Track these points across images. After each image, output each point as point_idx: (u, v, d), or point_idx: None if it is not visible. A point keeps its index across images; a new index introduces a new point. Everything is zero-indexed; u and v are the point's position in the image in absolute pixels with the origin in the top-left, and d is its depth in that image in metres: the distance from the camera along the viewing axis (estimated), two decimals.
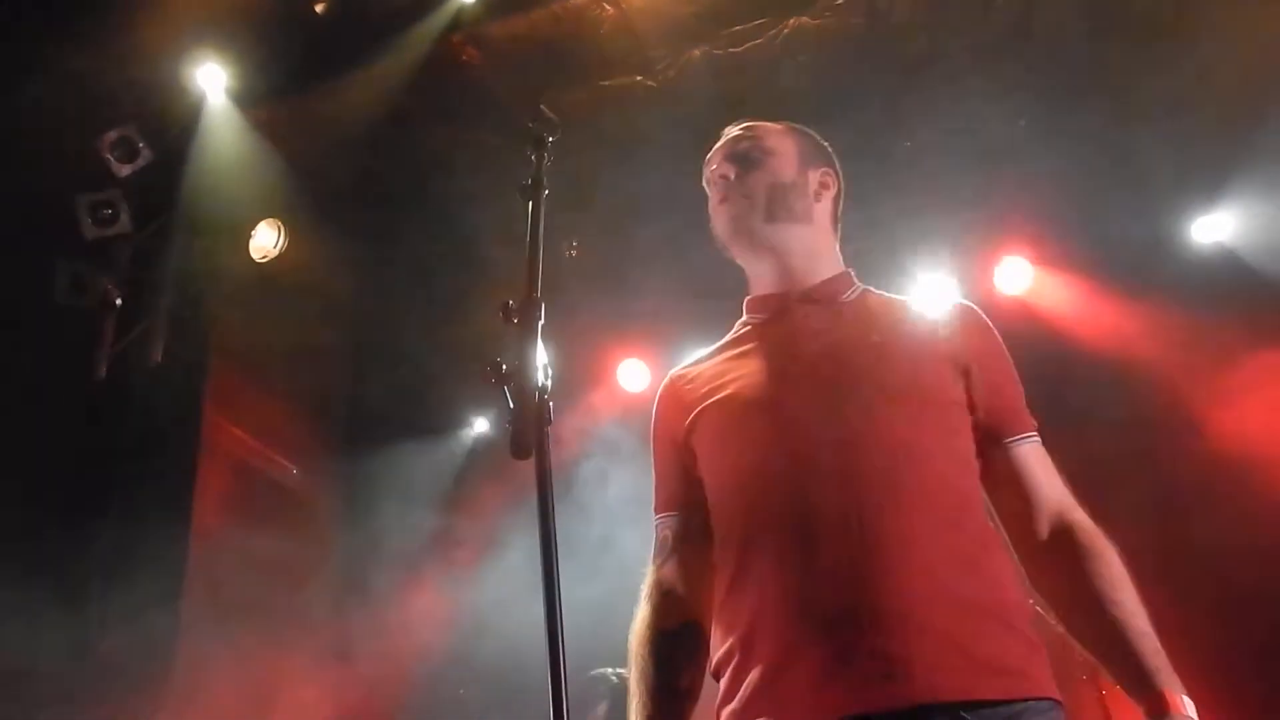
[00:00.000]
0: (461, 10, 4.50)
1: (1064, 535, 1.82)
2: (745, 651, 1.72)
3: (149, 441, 4.69)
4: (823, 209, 2.14)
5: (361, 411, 5.30)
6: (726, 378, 1.98)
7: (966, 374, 1.89)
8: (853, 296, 2.06)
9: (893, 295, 2.09)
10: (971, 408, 1.88)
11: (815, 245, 2.11)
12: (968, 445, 1.86)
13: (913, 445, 1.77)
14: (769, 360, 1.96)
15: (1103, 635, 1.71)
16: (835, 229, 2.18)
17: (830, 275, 2.07)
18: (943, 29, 5.08)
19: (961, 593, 1.65)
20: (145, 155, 4.23)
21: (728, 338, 2.13)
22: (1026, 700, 1.61)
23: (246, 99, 4.33)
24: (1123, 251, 5.27)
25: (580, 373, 5.72)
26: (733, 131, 2.20)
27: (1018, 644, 1.66)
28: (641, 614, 1.91)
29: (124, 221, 4.24)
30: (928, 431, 1.80)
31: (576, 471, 5.37)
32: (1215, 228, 5.34)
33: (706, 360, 2.10)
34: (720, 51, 5.24)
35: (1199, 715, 1.62)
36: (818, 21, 5.21)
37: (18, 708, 3.83)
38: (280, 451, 5.30)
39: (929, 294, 1.83)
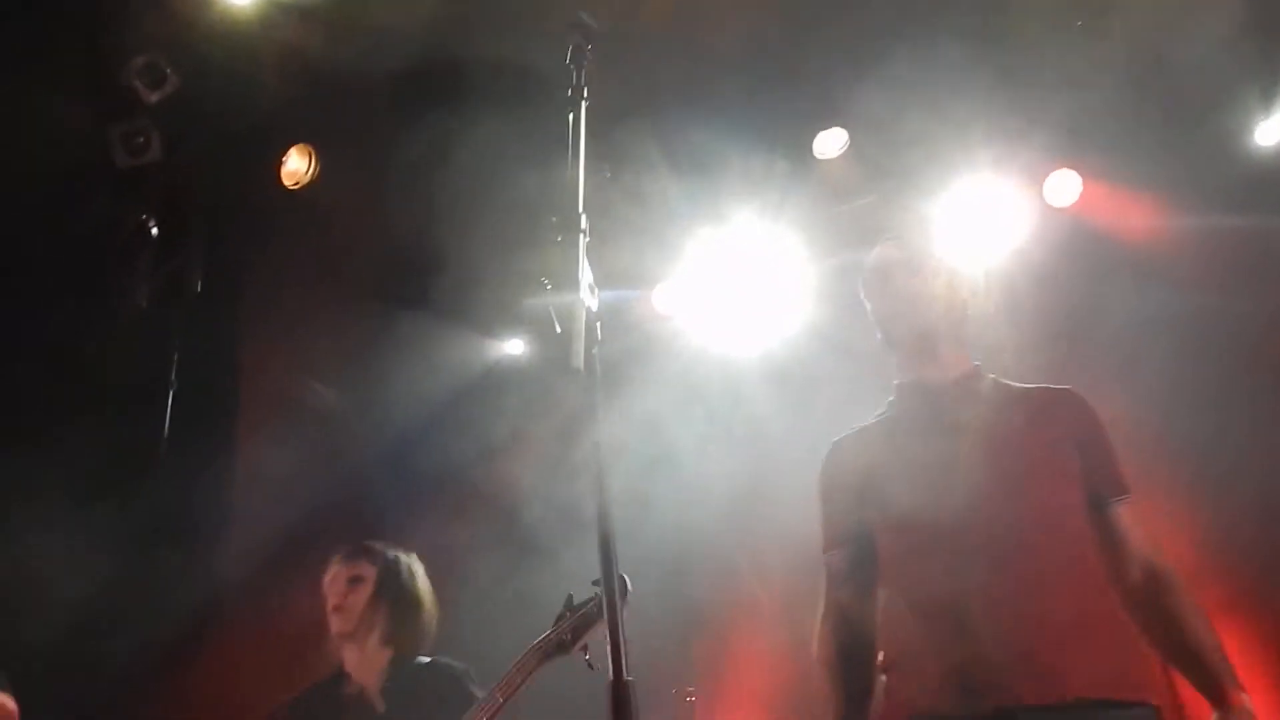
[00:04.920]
0: None
1: (1151, 576, 2.39)
2: (919, 655, 2.31)
3: (193, 373, 4.72)
4: None
5: (395, 337, 5.27)
6: (892, 451, 2.51)
7: (1080, 451, 2.43)
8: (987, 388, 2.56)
9: (1013, 385, 2.59)
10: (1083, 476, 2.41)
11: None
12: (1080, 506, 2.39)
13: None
14: (927, 442, 2.46)
15: (1181, 651, 2.32)
16: None
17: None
18: None
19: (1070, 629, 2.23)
20: (173, 81, 4.17)
21: (884, 409, 2.66)
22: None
23: (275, 16, 4.21)
24: (1178, 160, 5.05)
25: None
26: None
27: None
28: (824, 633, 2.52)
29: (155, 149, 4.20)
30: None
31: None
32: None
33: (870, 429, 2.64)
34: None
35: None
36: None
37: (73, 642, 3.92)
38: (319, 378, 5.31)
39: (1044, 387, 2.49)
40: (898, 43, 4.72)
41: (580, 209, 1.75)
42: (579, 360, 1.63)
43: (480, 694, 2.87)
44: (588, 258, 1.73)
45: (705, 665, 5.81)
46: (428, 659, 3.19)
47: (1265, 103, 4.98)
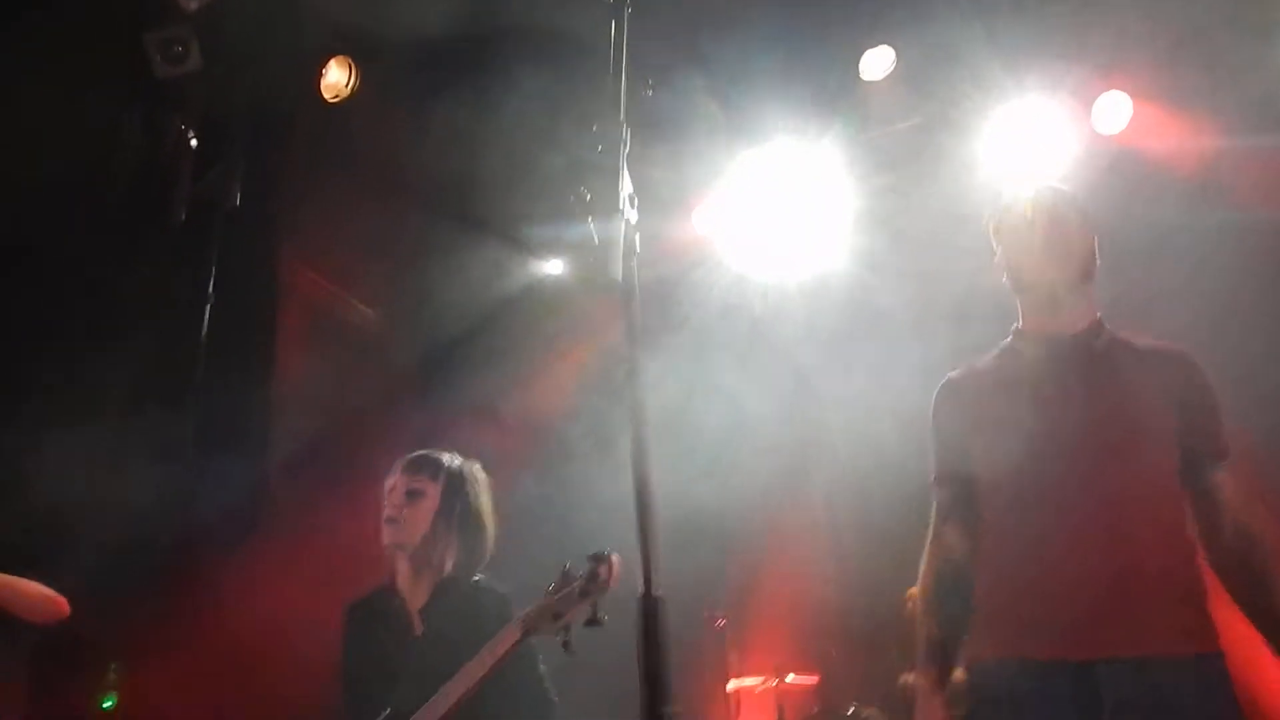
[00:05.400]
0: None
1: (1243, 538, 2.46)
2: (1011, 598, 2.42)
3: (231, 288, 4.74)
4: None
5: (435, 254, 5.27)
6: (1002, 399, 2.57)
7: (1184, 413, 2.50)
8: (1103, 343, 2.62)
9: (1131, 342, 2.64)
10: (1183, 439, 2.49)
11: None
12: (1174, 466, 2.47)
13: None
14: (1038, 396, 2.53)
15: (1268, 612, 2.40)
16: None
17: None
18: None
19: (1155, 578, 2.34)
20: None
21: (1001, 353, 2.71)
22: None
23: None
24: (1233, 84, 4.88)
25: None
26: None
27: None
28: (926, 562, 2.58)
29: (195, 58, 4.17)
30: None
31: None
32: None
33: (984, 371, 2.70)
34: None
35: None
36: None
37: (120, 544, 4.01)
38: (358, 295, 5.34)
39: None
40: None
41: (621, 119, 1.72)
42: (617, 271, 1.62)
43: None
44: (628, 169, 1.71)
45: (737, 587, 5.88)
46: (476, 580, 3.09)
47: None
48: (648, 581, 1.51)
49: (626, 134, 1.70)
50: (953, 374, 2.75)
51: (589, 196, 1.63)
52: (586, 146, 1.71)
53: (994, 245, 2.75)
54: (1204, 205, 4.90)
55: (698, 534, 4.68)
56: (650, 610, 1.48)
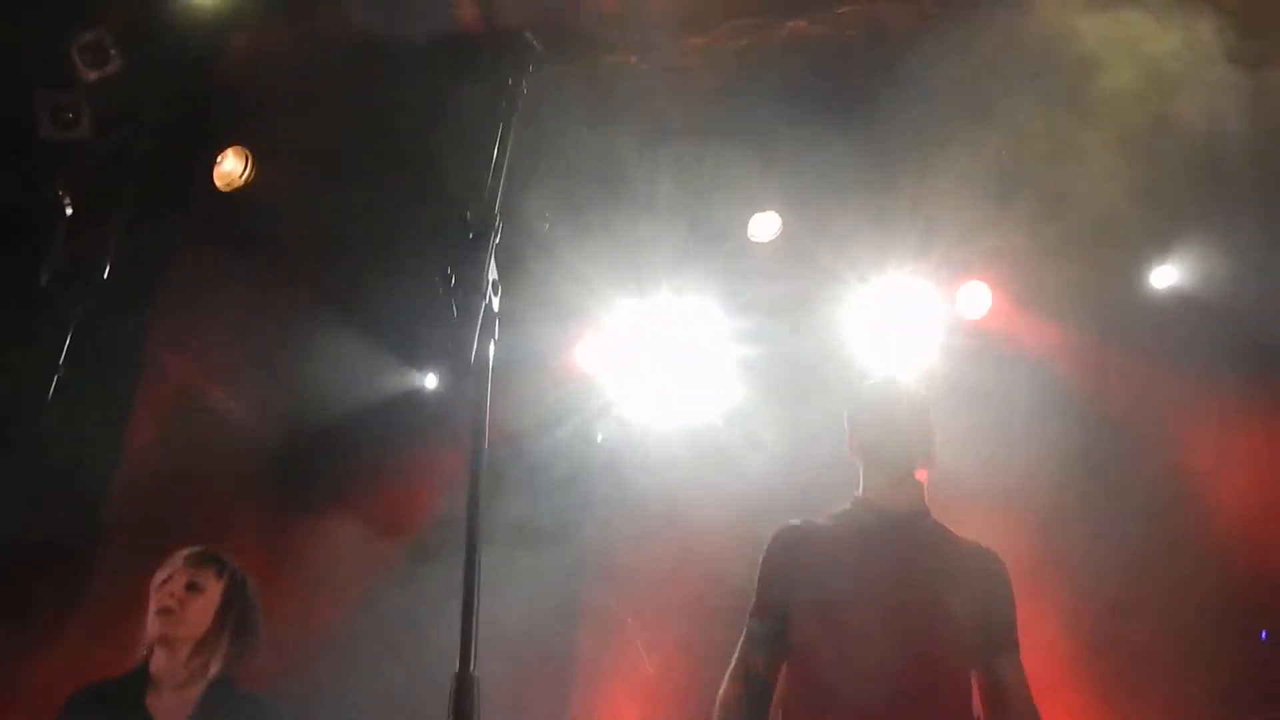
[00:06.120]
0: None
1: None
2: None
3: (88, 360, 4.55)
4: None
5: (309, 351, 5.19)
6: (834, 556, 2.84)
7: (988, 609, 2.82)
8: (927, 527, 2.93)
9: (950, 533, 2.96)
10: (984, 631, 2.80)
11: None
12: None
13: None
14: (865, 565, 2.80)
15: None
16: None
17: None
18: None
19: None
20: (115, 63, 4.11)
21: (839, 515, 2.98)
22: None
23: (229, 18, 4.21)
24: (1080, 291, 5.35)
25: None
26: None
27: None
28: (730, 687, 2.83)
29: (85, 127, 4.12)
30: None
31: None
32: (1170, 275, 5.41)
33: (822, 528, 2.95)
34: (719, 45, 5.23)
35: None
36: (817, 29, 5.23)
37: None
38: (221, 384, 5.18)
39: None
40: (836, 137, 4.92)
41: (496, 210, 1.77)
42: (470, 356, 1.64)
43: None
44: (495, 259, 1.75)
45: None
46: (246, 692, 2.98)
47: (1159, 251, 5.35)
48: (465, 660, 1.47)
49: (499, 223, 1.75)
50: (794, 522, 3.00)
51: (453, 277, 1.65)
52: (456, 232, 1.75)
53: (848, 421, 3.07)
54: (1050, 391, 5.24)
55: (540, 656, 4.58)
56: (464, 688, 1.45)
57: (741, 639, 2.89)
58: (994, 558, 2.94)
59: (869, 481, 3.00)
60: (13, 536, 3.90)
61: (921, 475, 3.00)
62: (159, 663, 2.91)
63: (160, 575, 2.98)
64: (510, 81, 1.98)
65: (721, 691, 2.83)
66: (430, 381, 6.02)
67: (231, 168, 4.75)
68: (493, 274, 1.70)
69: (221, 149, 4.70)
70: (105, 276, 4.53)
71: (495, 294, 1.70)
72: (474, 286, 1.66)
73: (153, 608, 2.92)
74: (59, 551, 4.17)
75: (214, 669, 2.92)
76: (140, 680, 2.90)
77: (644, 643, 5.31)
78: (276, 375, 5.33)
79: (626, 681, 5.52)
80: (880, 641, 2.65)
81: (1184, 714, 4.51)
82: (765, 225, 5.68)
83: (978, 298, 5.63)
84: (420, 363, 5.92)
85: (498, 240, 1.74)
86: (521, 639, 4.27)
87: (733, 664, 2.85)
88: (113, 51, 4.09)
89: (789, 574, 2.88)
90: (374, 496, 5.36)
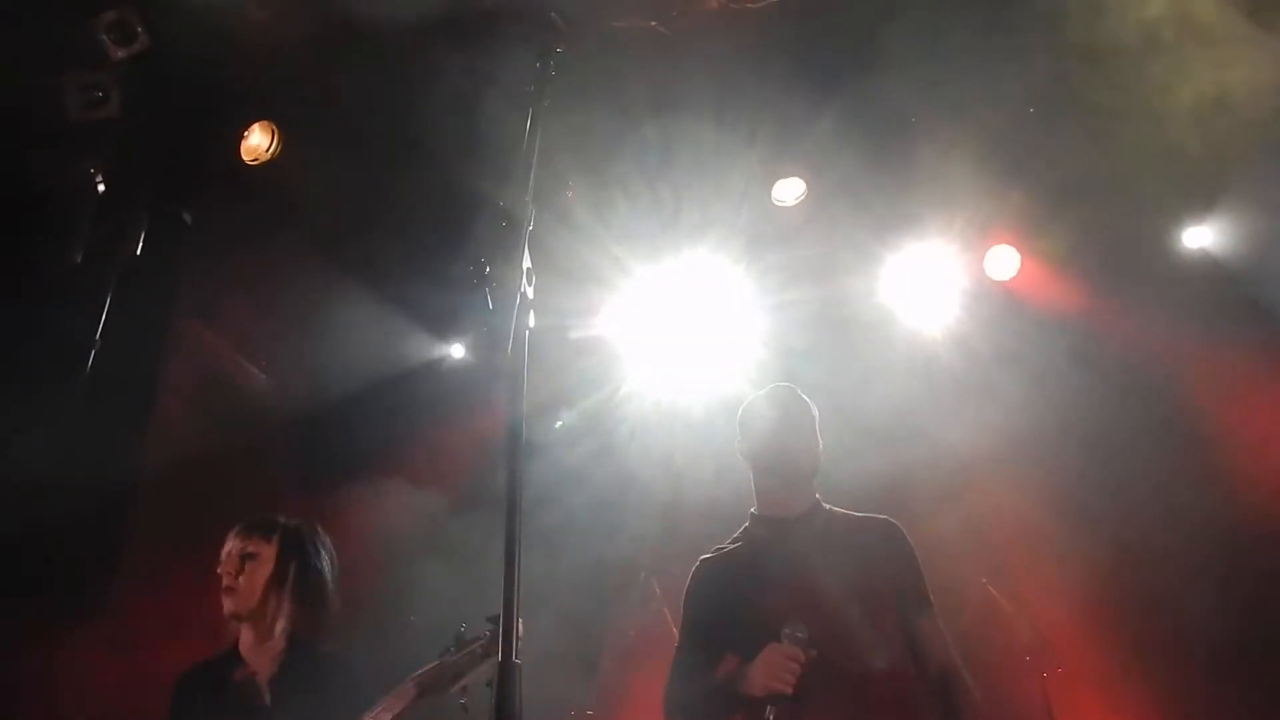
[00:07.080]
0: None
1: (943, 673, 2.94)
2: None
3: (120, 334, 4.61)
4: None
5: (335, 322, 5.23)
6: (736, 577, 3.00)
7: (895, 574, 2.97)
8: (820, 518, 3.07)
9: (846, 515, 3.10)
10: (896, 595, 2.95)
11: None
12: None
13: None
14: (771, 570, 2.94)
15: None
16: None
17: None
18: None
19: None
20: (143, 40, 4.12)
21: (739, 536, 3.13)
22: None
23: None
24: (1110, 249, 5.29)
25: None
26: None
27: None
28: (666, 700, 2.99)
29: (113, 106, 4.14)
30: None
31: None
32: (1204, 236, 5.35)
33: (728, 553, 3.09)
34: (738, 5, 5.16)
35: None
36: None
37: None
38: (249, 356, 5.24)
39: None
40: (863, 101, 4.87)
41: (529, 198, 1.78)
42: (507, 342, 1.66)
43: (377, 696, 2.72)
44: (528, 247, 1.76)
45: (609, 684, 5.79)
46: (328, 650, 3.00)
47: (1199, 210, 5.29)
48: (506, 649, 1.51)
49: (532, 212, 1.76)
50: (706, 555, 3.14)
51: (486, 265, 1.67)
52: (489, 221, 1.76)
53: (739, 429, 3.16)
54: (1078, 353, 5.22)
55: (571, 631, 4.63)
56: (507, 677, 1.49)
57: (671, 667, 3.03)
58: (890, 524, 3.06)
59: (760, 489, 3.12)
60: (50, 507, 3.98)
61: (812, 478, 3.11)
62: (243, 636, 3.01)
63: (224, 551, 3.05)
64: (538, 65, 1.98)
65: (664, 697, 2.98)
66: (457, 351, 6.07)
67: (259, 142, 4.76)
68: (527, 262, 1.72)
69: (248, 124, 4.71)
70: (137, 252, 4.56)
71: (530, 282, 1.72)
72: (509, 276, 1.68)
73: (223, 587, 3.00)
74: (94, 521, 4.23)
75: (281, 627, 2.97)
76: (234, 654, 3.01)
77: (672, 612, 5.36)
78: (305, 346, 5.38)
79: (655, 648, 5.60)
80: (802, 634, 2.72)
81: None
82: (790, 189, 5.64)
83: (1006, 260, 5.60)
84: (446, 333, 5.96)
85: (531, 229, 1.75)
86: (550, 605, 4.35)
87: (666, 681, 2.99)
88: (140, 29, 4.09)
89: (707, 606, 3.02)
90: (409, 459, 5.41)
